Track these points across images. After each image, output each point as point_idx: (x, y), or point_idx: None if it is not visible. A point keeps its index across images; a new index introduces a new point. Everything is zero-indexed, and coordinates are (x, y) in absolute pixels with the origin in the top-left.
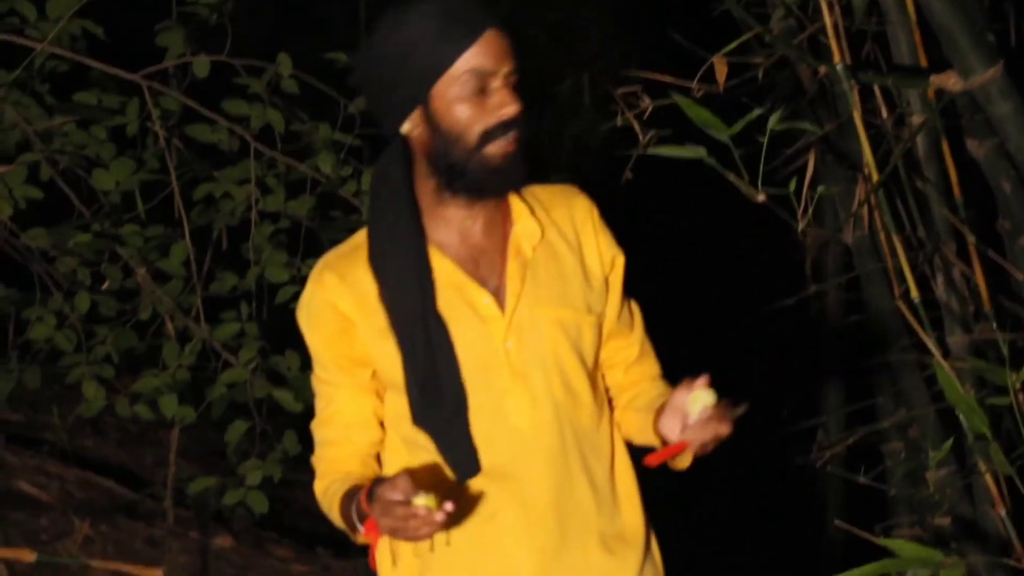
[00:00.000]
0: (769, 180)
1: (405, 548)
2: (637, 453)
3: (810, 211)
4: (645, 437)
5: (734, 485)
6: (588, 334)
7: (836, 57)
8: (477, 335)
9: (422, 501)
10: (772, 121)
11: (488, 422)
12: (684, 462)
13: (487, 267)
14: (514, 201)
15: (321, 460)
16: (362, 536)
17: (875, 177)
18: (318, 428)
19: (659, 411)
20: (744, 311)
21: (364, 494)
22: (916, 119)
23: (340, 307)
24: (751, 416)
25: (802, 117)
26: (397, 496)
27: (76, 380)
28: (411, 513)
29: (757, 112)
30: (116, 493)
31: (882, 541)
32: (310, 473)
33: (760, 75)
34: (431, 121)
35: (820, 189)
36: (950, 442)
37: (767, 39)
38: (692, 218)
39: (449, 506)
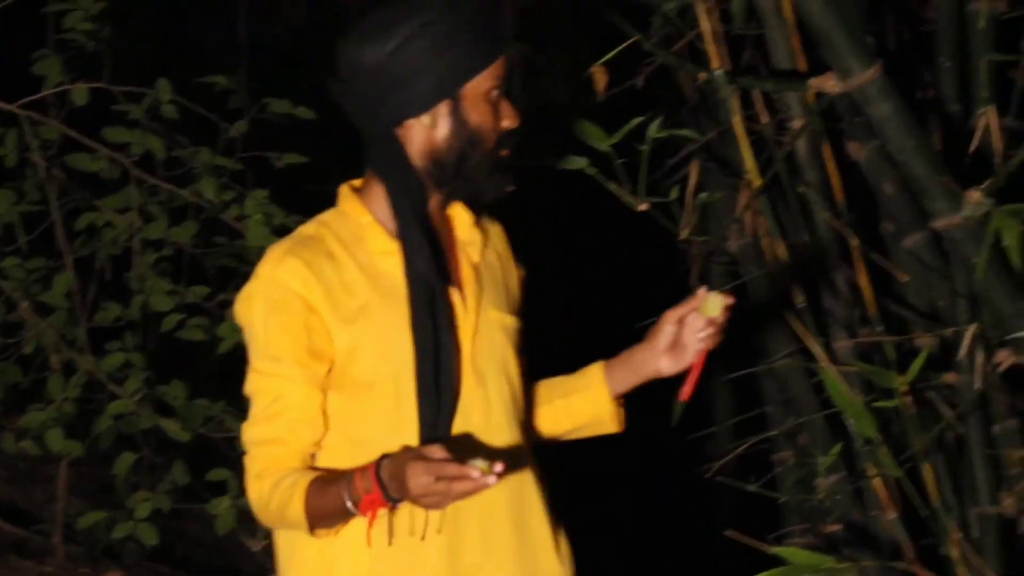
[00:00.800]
0: (654, 190)
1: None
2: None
3: (694, 219)
4: (586, 415)
5: (627, 499)
6: (520, 339)
7: (715, 63)
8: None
9: (480, 463)
10: (652, 129)
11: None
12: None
13: (451, 269)
14: (457, 210)
15: (258, 459)
16: (355, 514)
17: (757, 183)
18: (256, 426)
19: (616, 372)
20: (631, 322)
21: (372, 470)
22: (796, 123)
23: (304, 294)
24: (645, 428)
25: (684, 125)
26: (441, 455)
27: None
28: (463, 472)
29: (637, 121)
30: (5, 531)
31: (774, 550)
32: (201, 502)
33: (641, 83)
34: (457, 117)
35: (702, 196)
36: (839, 447)
37: (646, 47)
38: (580, 229)
39: (499, 467)
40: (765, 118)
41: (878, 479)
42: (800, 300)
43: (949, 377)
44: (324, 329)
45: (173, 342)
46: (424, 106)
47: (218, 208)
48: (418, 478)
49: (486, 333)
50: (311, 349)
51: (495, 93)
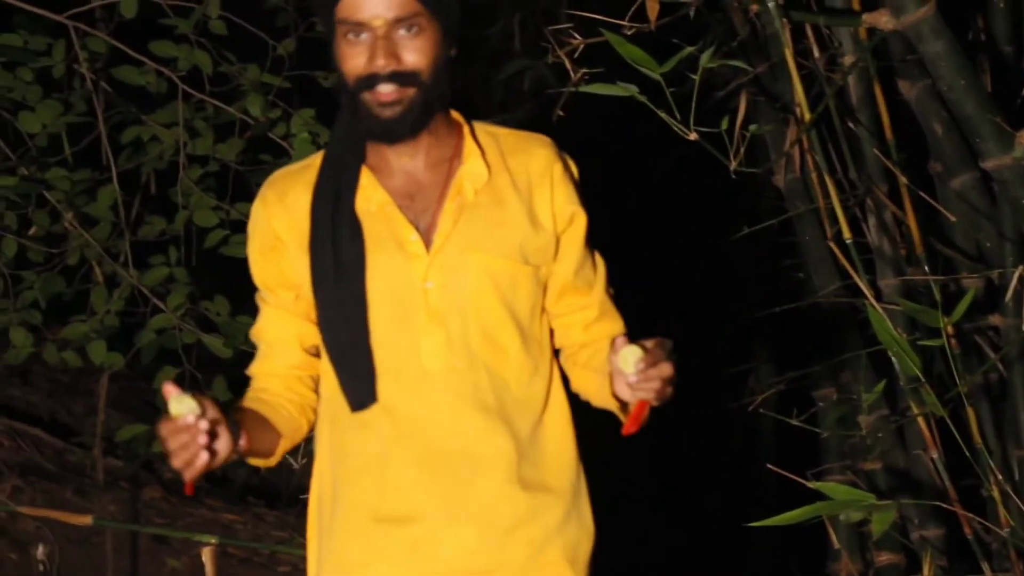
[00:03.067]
0: (700, 121)
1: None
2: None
3: (742, 151)
4: (602, 400)
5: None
6: (525, 285)
7: None
8: (398, 270)
9: (176, 408)
10: (704, 59)
11: (399, 359)
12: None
13: (422, 204)
14: (467, 141)
15: (250, 372)
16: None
17: (807, 118)
18: (253, 340)
19: (612, 376)
20: (675, 253)
21: None
22: (848, 59)
23: (273, 224)
24: (683, 362)
25: (734, 58)
26: (163, 428)
27: (3, 326)
28: (174, 428)
29: (689, 50)
30: (45, 443)
31: (815, 484)
32: None
33: (692, 15)
34: (334, 56)
35: (752, 128)
36: (882, 384)
37: None
38: (625, 158)
39: (192, 412)
40: (817, 52)
41: (921, 418)
42: (847, 236)
43: (994, 319)
44: (288, 257)
45: (216, 258)
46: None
47: (264, 126)
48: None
49: (453, 274)
50: (279, 277)
51: (351, 33)
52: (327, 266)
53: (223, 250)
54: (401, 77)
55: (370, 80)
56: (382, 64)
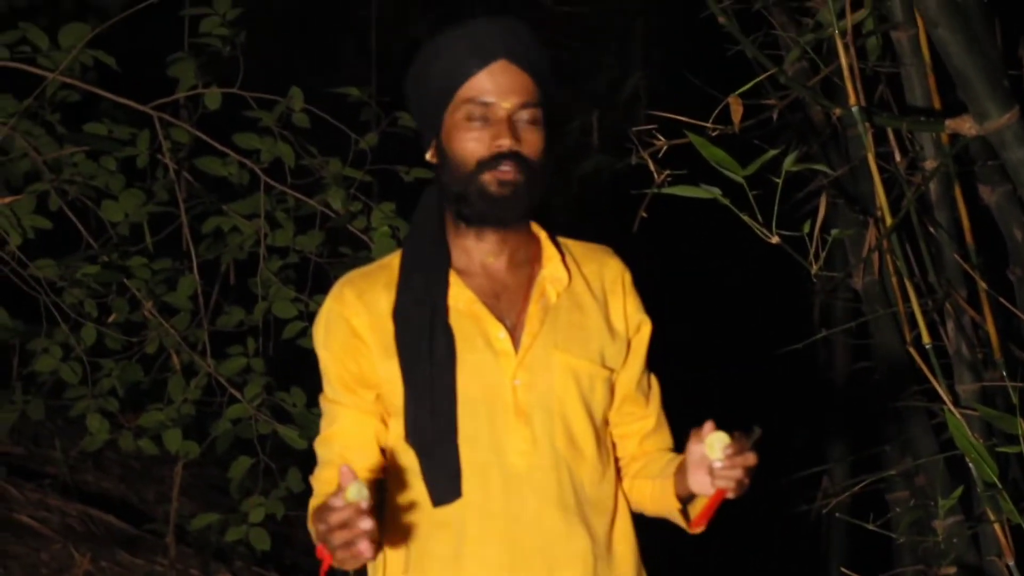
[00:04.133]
0: (780, 223)
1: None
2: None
3: (822, 254)
4: (663, 503)
5: (740, 530)
6: (600, 388)
7: (851, 99)
8: (487, 367)
9: (353, 494)
10: (787, 162)
11: (484, 455)
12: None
13: (508, 303)
14: (546, 245)
15: (317, 480)
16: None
17: (888, 221)
18: (319, 447)
19: (679, 472)
20: (753, 354)
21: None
22: (930, 163)
23: (353, 323)
24: (759, 461)
25: (814, 160)
26: (335, 502)
27: (80, 413)
28: (340, 521)
29: (772, 153)
30: (117, 528)
31: None
32: None
33: (774, 116)
34: (441, 147)
35: (834, 232)
36: (959, 491)
37: (782, 80)
38: (704, 259)
39: (365, 493)
40: (898, 156)
41: (997, 524)
42: (926, 341)
43: None
44: (370, 358)
45: (294, 349)
46: (428, 141)
47: (345, 218)
48: (318, 527)
49: (540, 373)
50: (358, 376)
51: (476, 114)
52: (420, 363)
53: (301, 342)
54: (521, 159)
55: (494, 160)
56: (508, 144)
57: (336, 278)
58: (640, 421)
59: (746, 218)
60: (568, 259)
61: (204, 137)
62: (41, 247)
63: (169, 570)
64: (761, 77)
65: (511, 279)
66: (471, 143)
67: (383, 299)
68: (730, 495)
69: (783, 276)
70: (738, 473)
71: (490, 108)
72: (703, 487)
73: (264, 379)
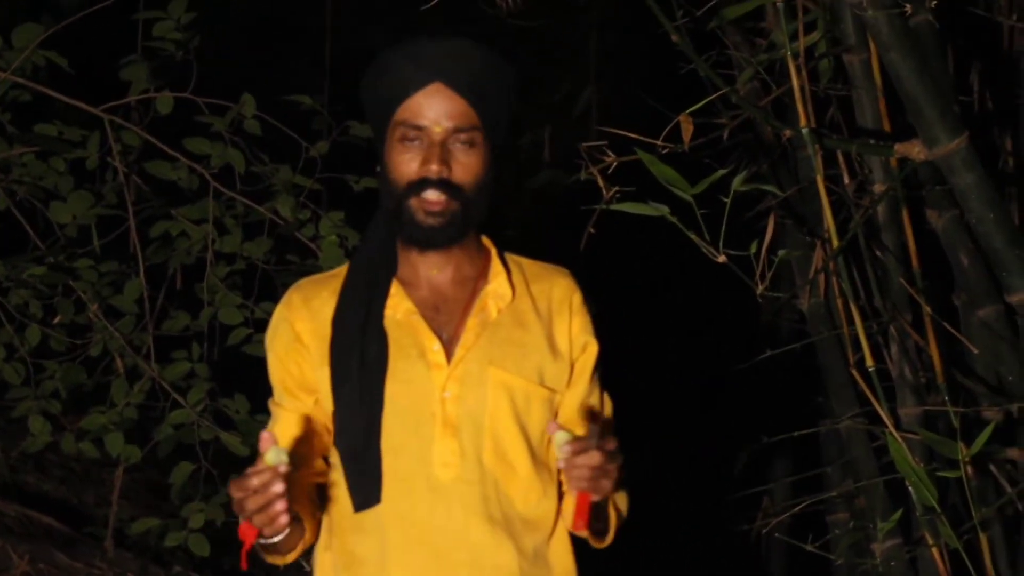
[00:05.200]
0: (728, 243)
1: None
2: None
3: (768, 275)
4: (567, 516)
5: (678, 548)
6: (537, 407)
7: (802, 121)
8: (418, 377)
9: (272, 457)
10: (736, 182)
11: (410, 464)
12: (606, 539)
13: (447, 316)
14: (494, 261)
15: None
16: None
17: (835, 243)
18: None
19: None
20: (699, 372)
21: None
22: (878, 187)
23: (296, 327)
24: (697, 479)
25: (763, 180)
26: (253, 468)
27: (22, 414)
28: (256, 484)
29: (721, 172)
30: (56, 529)
31: None
32: None
33: (725, 136)
34: (381, 162)
35: (781, 253)
36: (899, 514)
37: (734, 99)
38: (652, 277)
39: (283, 465)
40: (847, 179)
41: (935, 549)
42: (869, 364)
43: (1012, 452)
44: (311, 362)
45: (238, 356)
46: (377, 155)
47: (293, 226)
48: (233, 495)
49: (471, 387)
50: (299, 379)
51: (409, 136)
52: (351, 367)
53: (246, 348)
54: (449, 187)
55: (420, 184)
56: (435, 169)
57: (283, 286)
58: None
59: (693, 236)
60: (516, 276)
61: (154, 141)
62: None
63: (107, 573)
64: (713, 96)
65: (453, 292)
66: (403, 164)
67: (328, 306)
68: (593, 497)
69: (731, 296)
70: (584, 472)
71: (423, 131)
72: (567, 488)
73: (208, 385)
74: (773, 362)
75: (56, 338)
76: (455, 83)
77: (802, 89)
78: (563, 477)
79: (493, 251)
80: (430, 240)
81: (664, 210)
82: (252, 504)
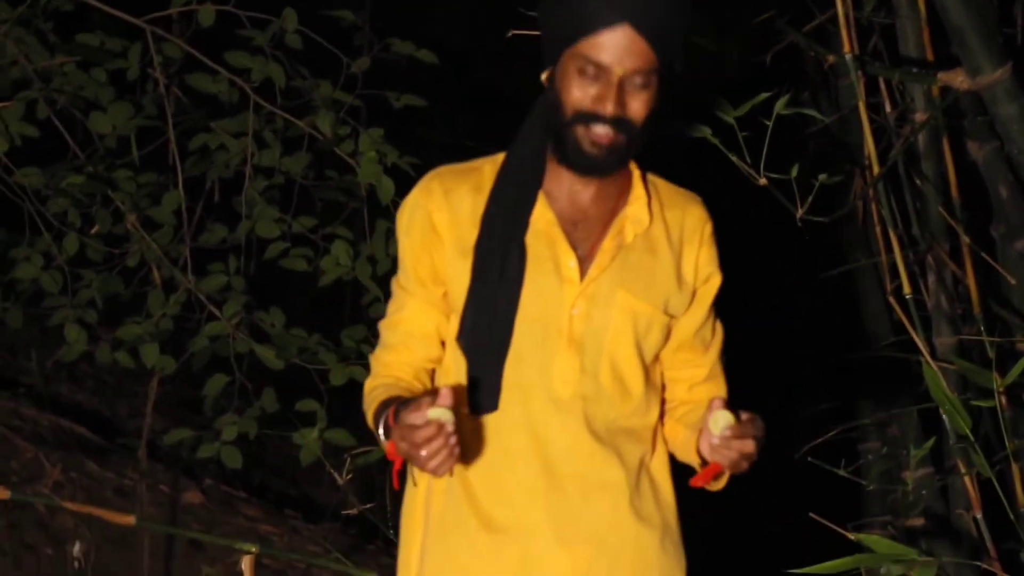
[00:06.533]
0: (769, 168)
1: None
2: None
3: (809, 199)
4: (686, 454)
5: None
6: (656, 332)
7: (846, 47)
8: (549, 291)
9: (436, 413)
10: (779, 105)
11: (531, 375)
12: (719, 484)
13: (584, 233)
14: (636, 184)
15: (377, 360)
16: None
17: (876, 170)
18: (384, 329)
19: (701, 433)
20: (736, 298)
21: (392, 412)
22: (920, 116)
23: (435, 218)
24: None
25: (804, 106)
26: (416, 420)
27: (59, 323)
28: (425, 437)
29: (764, 96)
30: (88, 439)
31: (857, 536)
32: (286, 431)
33: (767, 60)
34: (552, 79)
35: (822, 177)
36: (932, 441)
37: (777, 25)
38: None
39: (448, 413)
40: (888, 107)
41: (967, 478)
42: (907, 292)
43: None
44: (444, 254)
45: (275, 270)
46: (545, 63)
47: (332, 142)
48: (400, 443)
49: (599, 306)
50: (431, 270)
51: (588, 71)
52: (491, 273)
53: (282, 262)
54: (621, 124)
55: (591, 117)
56: (611, 108)
57: (321, 201)
58: (693, 368)
59: (735, 159)
60: (653, 201)
61: (195, 54)
62: (27, 155)
63: (139, 484)
64: (759, 19)
65: (593, 210)
66: (576, 92)
67: (467, 200)
68: (726, 471)
69: (768, 221)
70: (733, 454)
71: (603, 70)
72: (707, 453)
73: (244, 298)
74: (811, 288)
75: (93, 247)
76: (641, 26)
77: (846, 16)
78: (704, 445)
79: (636, 173)
80: (591, 169)
81: (706, 131)
82: (431, 458)
